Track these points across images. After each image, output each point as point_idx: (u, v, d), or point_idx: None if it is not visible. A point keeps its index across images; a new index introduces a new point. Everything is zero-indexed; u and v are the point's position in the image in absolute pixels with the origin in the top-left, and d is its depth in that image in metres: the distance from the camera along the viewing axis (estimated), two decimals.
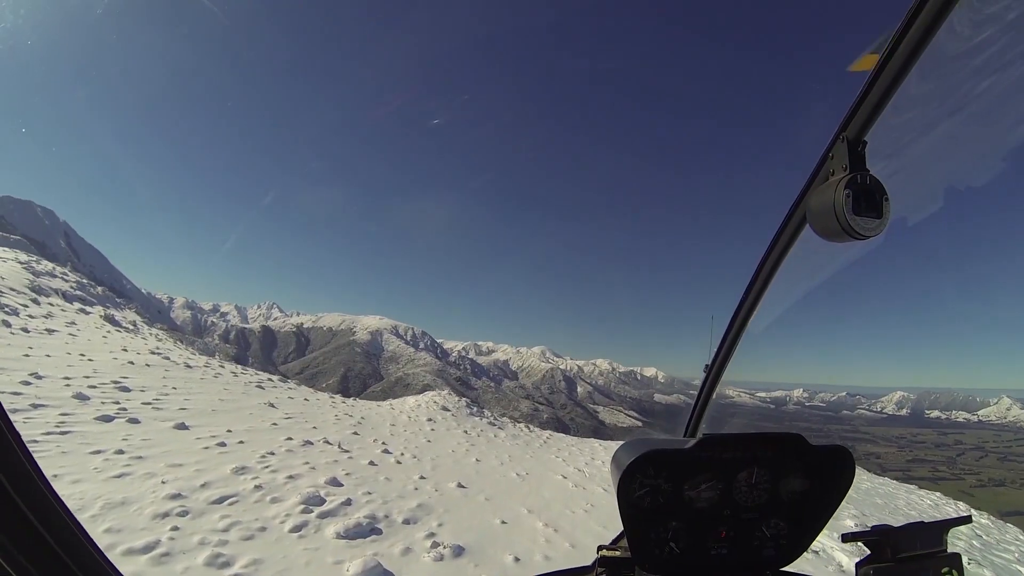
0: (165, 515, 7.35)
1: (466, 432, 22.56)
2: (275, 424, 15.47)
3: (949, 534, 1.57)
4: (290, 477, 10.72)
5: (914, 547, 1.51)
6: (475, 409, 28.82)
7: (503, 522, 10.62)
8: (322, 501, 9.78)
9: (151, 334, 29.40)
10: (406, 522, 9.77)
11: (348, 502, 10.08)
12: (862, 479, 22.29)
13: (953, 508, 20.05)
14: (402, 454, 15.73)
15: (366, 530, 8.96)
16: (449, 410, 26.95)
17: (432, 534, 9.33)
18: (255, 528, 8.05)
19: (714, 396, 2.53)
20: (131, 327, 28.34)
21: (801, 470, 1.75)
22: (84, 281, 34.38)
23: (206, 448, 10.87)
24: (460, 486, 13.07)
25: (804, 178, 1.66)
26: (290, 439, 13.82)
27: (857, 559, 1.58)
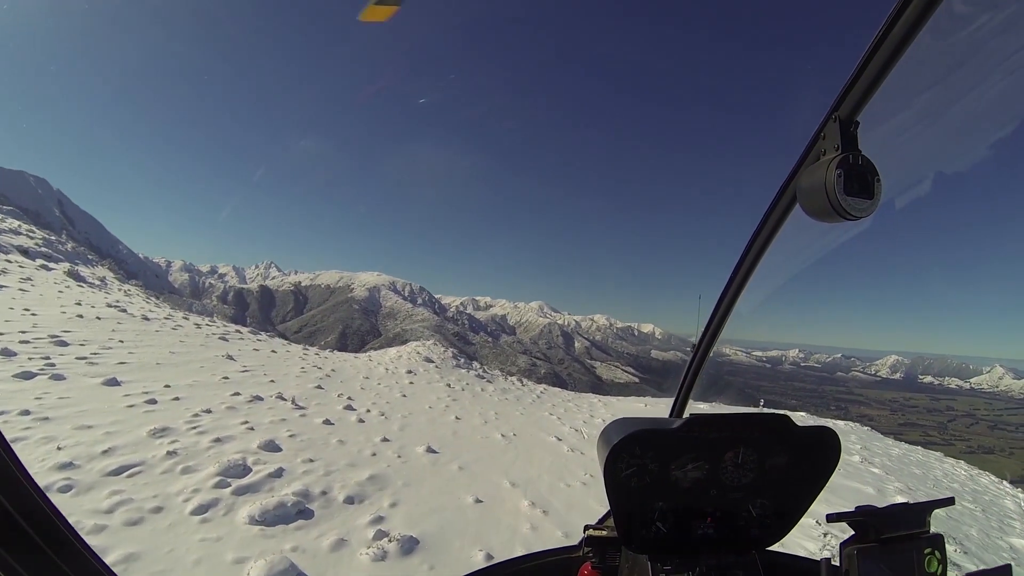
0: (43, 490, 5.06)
1: (449, 386, 20.47)
2: (226, 378, 13.64)
3: (932, 515, 1.56)
4: (217, 440, 8.85)
5: (898, 528, 1.50)
6: (462, 360, 26.57)
7: (477, 500, 8.59)
8: (246, 471, 7.88)
9: (120, 290, 27.35)
10: (349, 500, 7.74)
11: (279, 472, 8.09)
12: (890, 446, 20.75)
13: (987, 480, 18.42)
14: (368, 411, 13.77)
15: (291, 512, 6.90)
16: (433, 361, 24.88)
17: (379, 518, 7.28)
18: (148, 509, 6.30)
19: (700, 375, 2.50)
20: (98, 283, 26.33)
21: (787, 450, 1.77)
22: (53, 238, 32.83)
23: (130, 407, 9.53)
24: (430, 451, 11.08)
25: (795, 157, 1.64)
26: (237, 395, 12.07)
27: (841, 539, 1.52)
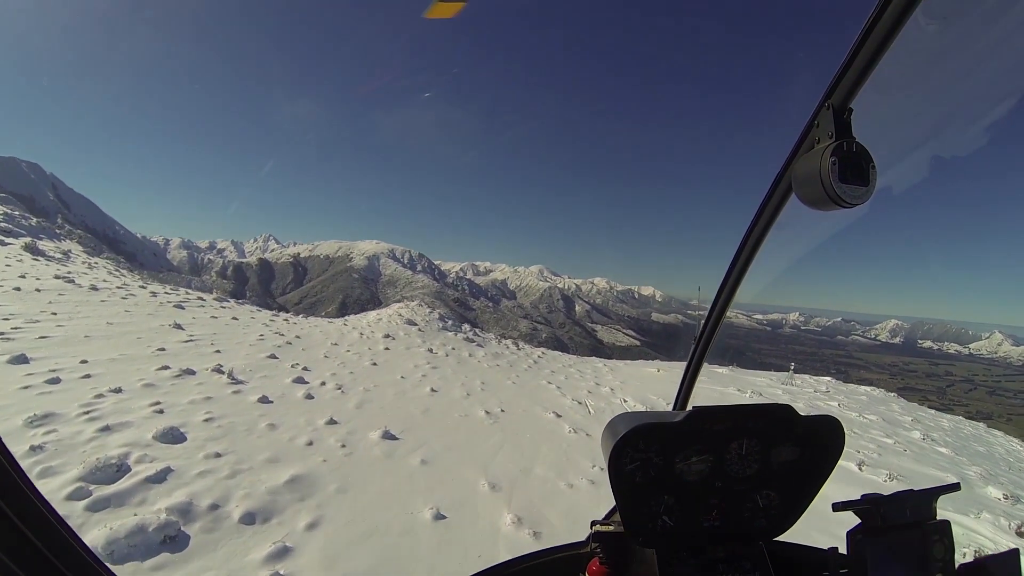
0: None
1: (431, 351, 18.21)
2: (161, 350, 11.86)
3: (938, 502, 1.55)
4: (104, 429, 6.95)
5: (903, 515, 1.50)
6: (450, 323, 24.07)
7: (438, 516, 6.38)
8: (120, 473, 5.90)
9: (85, 263, 25.74)
10: (247, 519, 5.58)
11: (163, 475, 6.06)
12: (963, 426, 19.04)
13: None
14: (322, 384, 11.71)
15: (154, 541, 4.81)
16: (416, 324, 22.66)
17: (282, 551, 5.12)
18: None
19: (703, 367, 2.51)
20: (60, 256, 24.86)
21: (791, 440, 1.74)
22: (17, 214, 31.62)
23: (25, 388, 8.08)
24: (387, 436, 8.93)
25: (789, 147, 1.63)
26: (165, 369, 10.31)
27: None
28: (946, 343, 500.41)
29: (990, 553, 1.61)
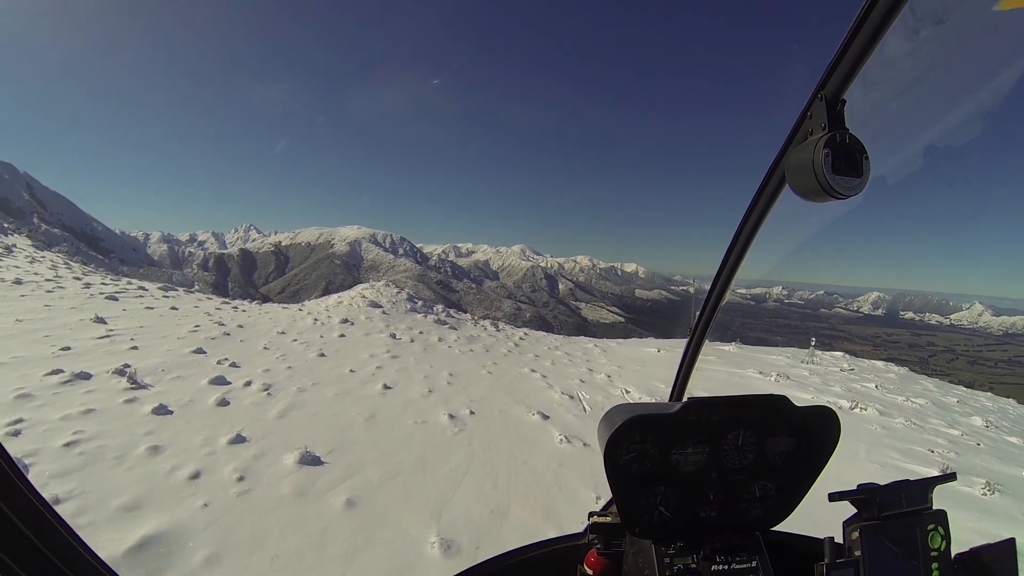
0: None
1: (394, 337, 16.20)
2: (66, 349, 10.02)
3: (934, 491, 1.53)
4: None
5: (900, 505, 1.46)
6: (420, 304, 21.86)
7: None
8: None
9: (29, 257, 24.06)
10: None
11: None
12: (1006, 406, 17.81)
13: None
14: (247, 385, 9.76)
15: None
16: (380, 306, 20.64)
17: None
18: None
19: (699, 360, 2.44)
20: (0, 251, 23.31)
21: (786, 431, 1.74)
22: None
23: None
24: (307, 461, 6.88)
25: (782, 136, 1.60)
26: (56, 373, 8.43)
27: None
28: (927, 314, 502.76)
29: (985, 543, 1.48)
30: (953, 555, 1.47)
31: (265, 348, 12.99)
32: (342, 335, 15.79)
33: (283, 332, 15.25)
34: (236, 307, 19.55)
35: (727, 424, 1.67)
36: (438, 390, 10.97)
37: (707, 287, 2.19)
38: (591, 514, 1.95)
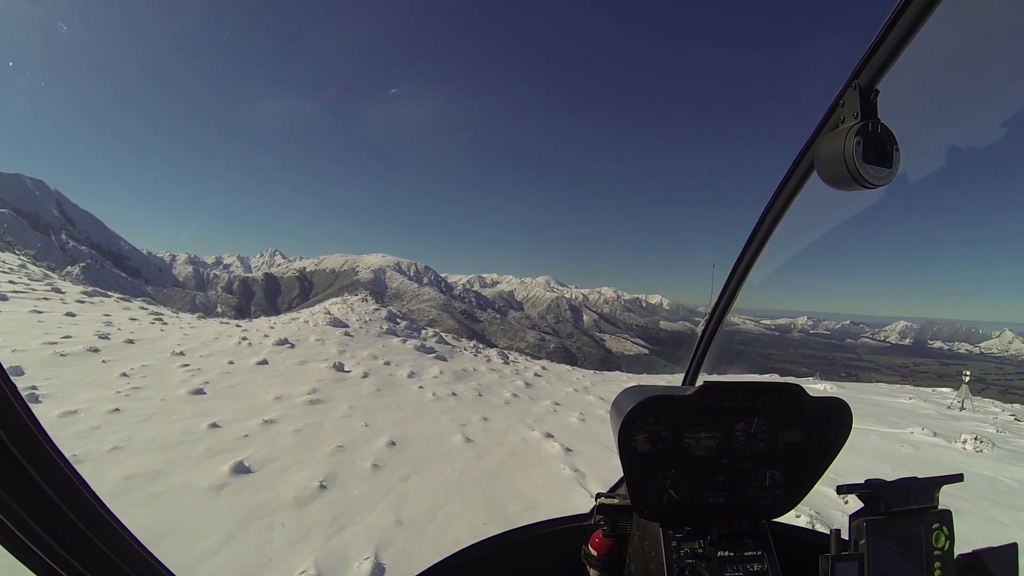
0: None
1: (340, 369, 11.43)
2: None
3: (940, 491, 1.50)
4: None
5: (906, 502, 1.44)
6: (402, 325, 16.72)
7: None
8: None
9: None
10: None
11: None
12: None
13: None
14: None
15: None
16: (346, 326, 15.24)
17: None
18: None
19: (714, 343, 2.43)
20: None
21: (799, 421, 1.72)
22: None
23: None
24: None
25: (813, 125, 1.60)
26: None
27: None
28: (956, 343, 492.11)
29: (988, 546, 1.43)
30: (956, 555, 1.43)
31: (124, 375, 8.80)
32: (263, 362, 10.69)
33: (180, 353, 10.63)
34: (161, 316, 15.27)
35: (740, 411, 1.65)
36: (344, 481, 5.68)
37: (726, 270, 2.17)
38: (598, 495, 1.93)
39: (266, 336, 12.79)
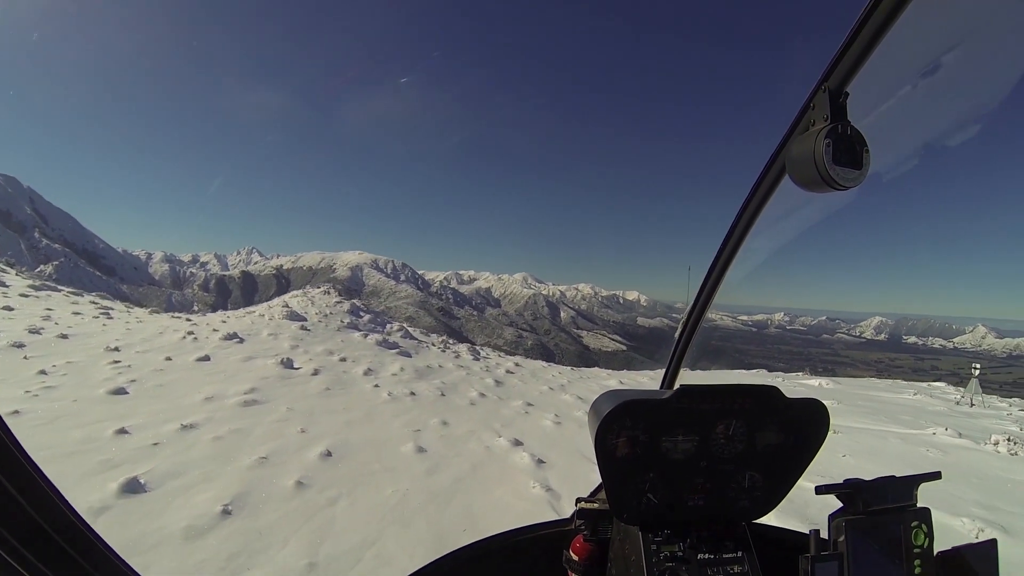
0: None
1: (288, 366, 10.74)
2: None
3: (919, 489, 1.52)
4: None
5: (885, 500, 1.44)
6: (365, 319, 15.67)
7: None
8: None
9: None
10: None
11: None
12: None
13: None
14: None
15: None
16: (304, 319, 14.13)
17: None
18: None
19: (692, 346, 2.40)
20: None
21: (777, 423, 1.71)
22: None
23: None
24: None
25: (784, 127, 1.59)
26: None
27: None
28: (931, 338, 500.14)
29: (969, 543, 1.43)
30: (936, 553, 1.44)
31: (42, 372, 7.95)
32: (204, 358, 9.70)
33: (115, 349, 9.66)
34: (110, 312, 14.13)
35: (718, 413, 1.63)
36: (256, 504, 4.76)
37: (702, 272, 2.18)
38: (578, 500, 1.91)
39: (215, 331, 11.81)
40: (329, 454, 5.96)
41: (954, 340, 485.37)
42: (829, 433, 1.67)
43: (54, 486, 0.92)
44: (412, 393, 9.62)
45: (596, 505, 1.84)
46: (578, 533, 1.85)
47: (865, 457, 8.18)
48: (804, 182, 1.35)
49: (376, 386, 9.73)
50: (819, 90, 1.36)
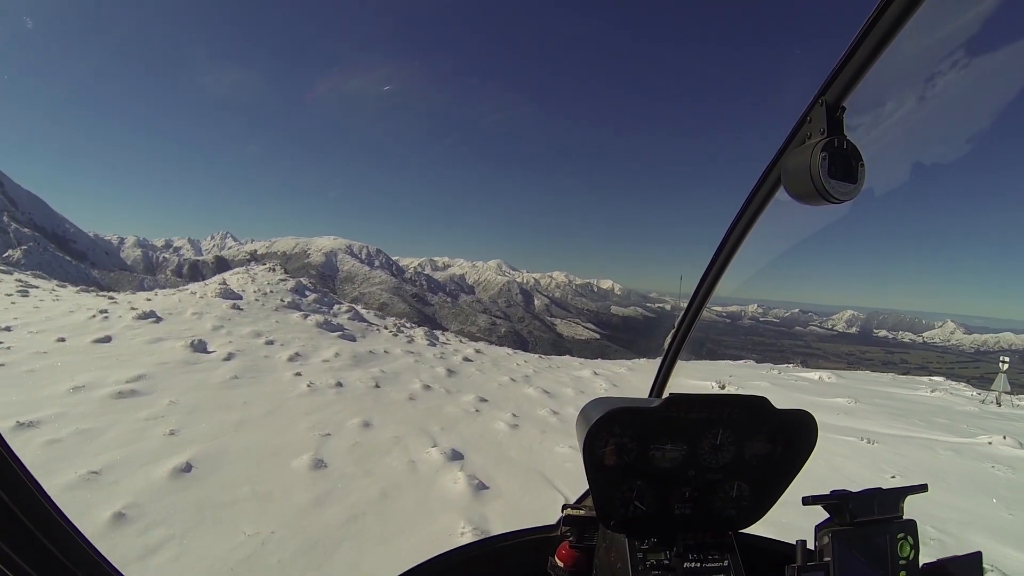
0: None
1: (199, 349, 9.70)
2: None
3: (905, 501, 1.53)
4: None
5: (871, 512, 1.47)
6: (310, 299, 14.31)
7: None
8: None
9: None
10: None
11: None
12: None
13: None
14: None
15: None
16: (239, 298, 12.79)
17: None
18: None
19: (680, 357, 2.44)
20: None
21: (765, 433, 1.73)
22: None
23: None
24: None
25: (780, 140, 1.63)
26: None
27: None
28: (900, 332, 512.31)
29: (954, 555, 1.46)
30: (921, 564, 1.48)
31: None
32: (104, 339, 8.58)
33: (6, 328, 8.65)
34: (27, 290, 12.83)
35: (707, 422, 1.65)
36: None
37: (694, 280, 2.17)
38: (564, 506, 1.88)
39: (133, 309, 10.45)
40: (188, 469, 4.71)
41: (923, 335, 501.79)
42: (818, 443, 1.63)
43: (33, 476, 0.89)
44: (339, 384, 8.44)
45: (582, 512, 1.80)
46: (564, 540, 1.83)
47: (922, 477, 7.06)
48: (799, 195, 1.37)
49: (297, 375, 8.58)
50: (816, 103, 1.38)
